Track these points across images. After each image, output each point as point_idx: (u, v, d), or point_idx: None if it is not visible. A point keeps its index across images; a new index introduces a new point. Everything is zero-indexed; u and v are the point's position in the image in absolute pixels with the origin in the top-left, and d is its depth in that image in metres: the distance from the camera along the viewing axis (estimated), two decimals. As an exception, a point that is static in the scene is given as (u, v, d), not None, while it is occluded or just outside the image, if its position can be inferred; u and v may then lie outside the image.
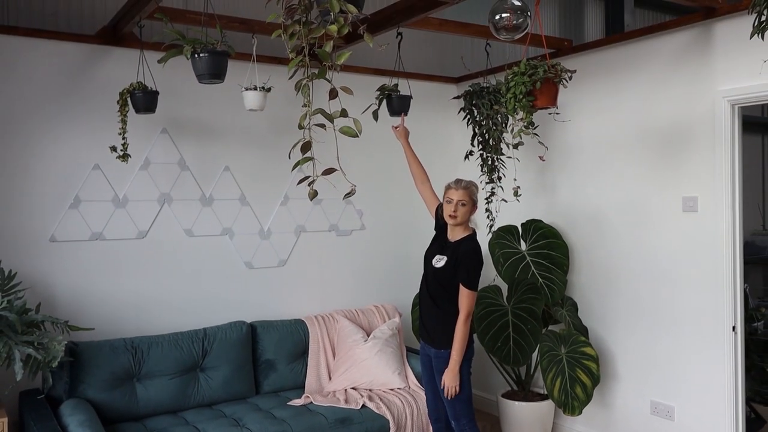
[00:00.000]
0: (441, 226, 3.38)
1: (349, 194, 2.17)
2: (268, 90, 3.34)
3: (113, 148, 3.54)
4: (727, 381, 3.52)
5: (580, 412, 3.82)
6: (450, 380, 3.16)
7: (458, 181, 3.25)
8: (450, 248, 3.24)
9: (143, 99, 3.46)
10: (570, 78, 3.08)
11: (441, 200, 3.34)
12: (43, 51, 3.60)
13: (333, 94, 1.92)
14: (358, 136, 1.98)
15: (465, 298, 3.15)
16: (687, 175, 3.69)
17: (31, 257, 3.57)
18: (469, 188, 3.23)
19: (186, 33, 2.99)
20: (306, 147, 1.98)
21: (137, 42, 3.60)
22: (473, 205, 3.25)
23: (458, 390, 3.17)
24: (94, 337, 3.61)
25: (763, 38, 2.25)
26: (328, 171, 1.99)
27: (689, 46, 3.65)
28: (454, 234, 3.27)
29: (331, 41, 1.90)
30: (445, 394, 3.19)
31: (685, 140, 3.69)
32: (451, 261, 3.20)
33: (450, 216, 3.21)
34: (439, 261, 3.24)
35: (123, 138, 3.54)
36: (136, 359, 3.57)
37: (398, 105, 3.80)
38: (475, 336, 4.22)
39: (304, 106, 1.98)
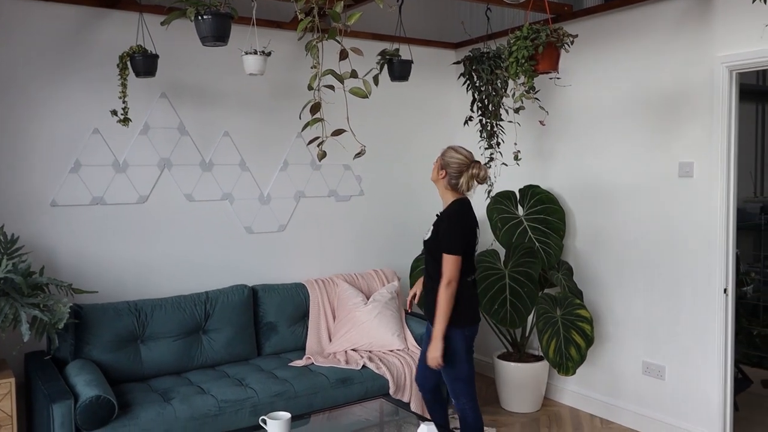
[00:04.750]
0: None
1: (359, 154, 2.20)
2: (269, 54, 3.32)
3: (114, 112, 3.54)
4: (718, 342, 3.62)
5: (574, 372, 3.92)
6: (431, 350, 3.04)
7: None
8: (439, 219, 3.18)
9: (143, 62, 3.45)
10: (572, 42, 3.09)
11: None
12: (42, 14, 3.56)
13: (344, 55, 1.94)
14: (368, 97, 2.00)
15: (444, 262, 3.02)
16: (684, 141, 3.73)
17: (32, 221, 3.59)
18: (444, 150, 3.15)
19: (188, -5, 2.97)
20: (315, 108, 2.00)
21: (136, 5, 3.57)
22: (441, 166, 3.09)
23: (441, 361, 3.03)
24: (97, 300, 3.65)
25: (765, 2, 2.28)
26: (338, 132, 2.01)
27: (689, 12, 3.66)
28: (445, 201, 3.19)
29: (341, 1, 1.91)
30: (428, 364, 3.09)
31: (682, 106, 3.72)
32: (436, 230, 3.14)
33: None
34: (428, 232, 3.20)
35: (123, 102, 3.53)
36: (139, 321, 3.62)
37: (399, 69, 3.80)
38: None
39: (314, 67, 2.00)
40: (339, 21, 1.94)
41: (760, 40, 3.23)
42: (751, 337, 5.26)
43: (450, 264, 3.01)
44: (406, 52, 3.92)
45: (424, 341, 3.38)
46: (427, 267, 3.24)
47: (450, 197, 3.15)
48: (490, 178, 4.16)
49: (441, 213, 3.19)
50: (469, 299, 3.15)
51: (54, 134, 3.63)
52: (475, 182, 3.09)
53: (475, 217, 3.19)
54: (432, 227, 3.19)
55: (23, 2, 3.51)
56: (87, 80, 3.70)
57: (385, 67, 3.83)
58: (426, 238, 3.21)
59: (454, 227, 3.06)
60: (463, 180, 3.07)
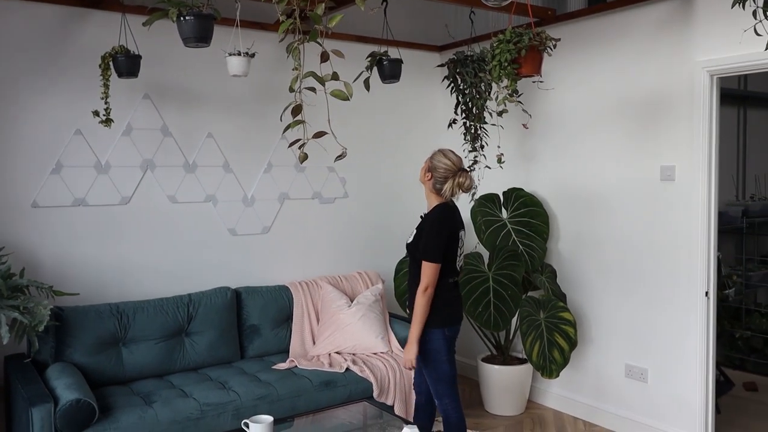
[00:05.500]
0: None
1: (340, 156, 2.20)
2: (252, 56, 3.31)
3: (96, 113, 3.51)
4: (699, 345, 3.65)
5: (558, 375, 3.94)
6: (406, 352, 3.08)
7: None
8: (422, 222, 3.17)
9: (126, 63, 3.42)
10: (554, 46, 3.11)
11: None
12: (23, 13, 3.53)
13: (324, 57, 1.94)
14: (349, 99, 2.00)
15: (422, 268, 3.03)
16: (665, 145, 3.76)
17: (13, 223, 3.55)
18: (434, 152, 3.16)
19: (170, -5, 2.95)
20: (297, 110, 2.00)
21: (119, 5, 3.54)
22: (428, 169, 3.10)
23: (414, 364, 3.07)
24: (78, 302, 3.62)
25: (744, 8, 2.30)
26: (319, 134, 2.00)
27: (670, 17, 3.70)
28: (429, 204, 3.19)
29: (323, 4, 1.90)
30: (403, 365, 3.13)
31: (664, 110, 3.76)
32: (418, 234, 3.13)
33: None
34: (410, 236, 3.20)
35: (105, 102, 3.51)
36: (121, 324, 3.59)
37: (390, 70, 3.80)
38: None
39: (295, 69, 1.99)
40: (320, 23, 1.93)
41: (739, 45, 3.26)
42: (734, 339, 5.32)
43: (428, 271, 3.02)
44: (392, 53, 3.92)
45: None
46: (410, 270, 3.23)
47: (434, 200, 3.15)
48: (474, 185, 4.18)
49: (424, 215, 3.18)
50: (450, 300, 3.15)
51: (35, 135, 3.60)
52: (460, 190, 3.09)
53: (460, 221, 3.18)
54: (415, 231, 3.18)
55: (3, 1, 3.47)
56: (69, 80, 3.67)
57: (375, 68, 3.81)
58: (408, 242, 3.20)
59: (434, 235, 3.04)
60: (447, 186, 3.07)
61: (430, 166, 3.10)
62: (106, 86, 3.49)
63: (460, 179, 3.06)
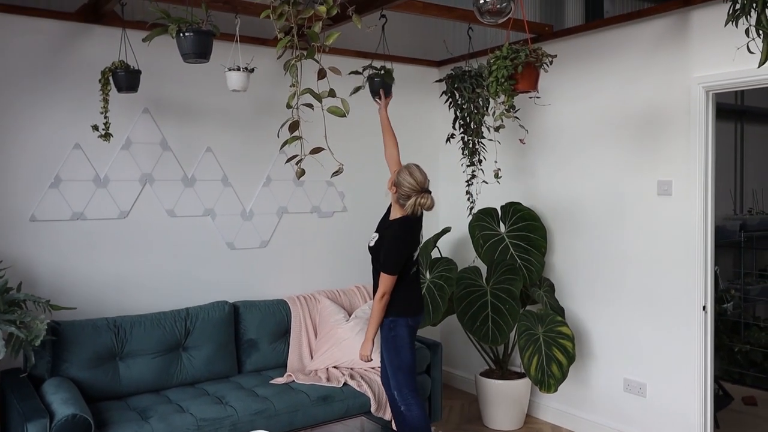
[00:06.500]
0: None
1: (337, 172, 2.21)
2: (252, 71, 3.34)
3: (95, 127, 3.52)
4: (697, 359, 3.65)
5: (556, 390, 3.93)
6: (362, 348, 3.36)
7: None
8: (384, 228, 3.40)
9: (125, 78, 3.44)
10: (551, 62, 3.13)
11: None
12: (22, 28, 3.55)
13: (322, 74, 1.95)
14: (345, 116, 2.01)
15: (381, 278, 3.29)
16: (662, 160, 3.78)
17: (11, 237, 3.55)
18: (402, 167, 3.33)
19: (170, 12, 2.98)
20: (294, 126, 2.01)
21: (119, 20, 3.57)
22: (394, 183, 3.30)
23: (369, 356, 3.34)
24: (76, 317, 3.61)
25: (737, 26, 2.32)
26: (316, 150, 2.02)
27: (666, 34, 3.73)
28: (394, 213, 3.40)
29: (320, 22, 1.92)
30: (359, 357, 3.38)
31: (661, 125, 3.78)
32: (380, 240, 3.36)
33: None
34: (372, 239, 3.41)
35: (105, 117, 3.52)
36: (118, 338, 3.58)
37: (378, 87, 3.80)
38: (455, 316, 4.32)
39: (292, 86, 2.01)
40: (317, 41, 1.95)
41: (733, 62, 3.29)
42: (732, 353, 5.31)
43: (387, 281, 3.27)
44: (393, 69, 3.93)
45: (381, 343, 3.47)
46: (374, 271, 3.44)
47: (398, 212, 3.36)
48: (472, 195, 4.21)
49: (389, 225, 3.35)
50: (412, 291, 3.41)
51: (34, 148, 3.61)
52: (421, 209, 3.28)
53: (419, 230, 3.41)
54: (377, 235, 3.40)
55: (4, 15, 3.49)
56: (69, 95, 3.69)
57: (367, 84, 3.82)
58: (371, 245, 3.42)
59: (394, 251, 3.28)
60: (409, 203, 3.27)
61: (395, 182, 3.30)
62: (106, 101, 3.50)
63: (422, 200, 3.26)
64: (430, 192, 3.30)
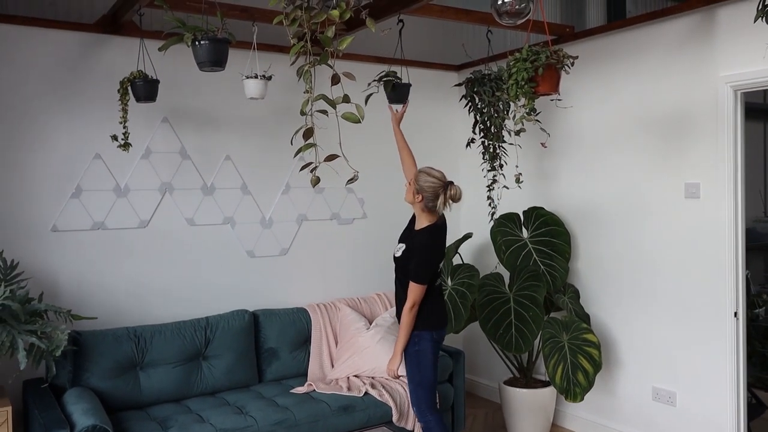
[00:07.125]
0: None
1: (352, 180, 2.17)
2: (269, 78, 3.33)
3: (114, 137, 3.53)
4: (729, 367, 3.53)
5: (582, 399, 3.83)
6: (391, 362, 3.25)
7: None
8: (411, 237, 3.29)
9: (144, 88, 3.45)
10: (572, 64, 3.06)
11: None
12: (42, 40, 3.58)
13: (335, 80, 1.92)
14: (360, 122, 1.97)
15: (411, 288, 3.17)
16: (689, 162, 3.68)
17: (33, 247, 3.57)
18: (416, 174, 3.25)
19: (186, 21, 2.97)
20: (308, 133, 1.98)
21: (137, 30, 3.58)
22: (416, 190, 3.20)
23: (396, 372, 3.24)
24: (96, 326, 3.62)
25: (766, 21, 2.24)
26: (331, 157, 1.98)
27: (691, 32, 3.63)
28: (419, 222, 3.29)
29: (333, 26, 1.89)
30: (387, 374, 3.29)
31: (687, 127, 3.68)
32: (407, 251, 3.25)
33: None
34: (399, 250, 3.31)
35: (124, 127, 3.53)
36: (139, 348, 3.58)
37: (396, 93, 3.76)
38: (478, 323, 4.25)
39: (306, 92, 1.97)
40: (330, 46, 1.91)
41: (763, 59, 3.19)
42: (765, 360, 5.14)
43: (416, 291, 3.16)
44: (405, 74, 3.90)
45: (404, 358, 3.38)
46: (398, 281, 3.34)
47: (425, 221, 3.26)
48: (493, 200, 4.14)
49: (415, 234, 3.26)
50: (437, 304, 3.30)
51: (55, 159, 3.63)
52: (452, 202, 3.20)
53: (444, 237, 3.32)
54: (403, 244, 3.29)
55: (24, 28, 3.53)
56: (88, 106, 3.71)
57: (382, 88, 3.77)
58: (397, 256, 3.30)
59: (424, 262, 3.19)
60: (440, 201, 3.18)
61: (418, 188, 3.20)
62: (125, 111, 3.52)
63: (451, 192, 3.18)
64: (452, 182, 3.21)
